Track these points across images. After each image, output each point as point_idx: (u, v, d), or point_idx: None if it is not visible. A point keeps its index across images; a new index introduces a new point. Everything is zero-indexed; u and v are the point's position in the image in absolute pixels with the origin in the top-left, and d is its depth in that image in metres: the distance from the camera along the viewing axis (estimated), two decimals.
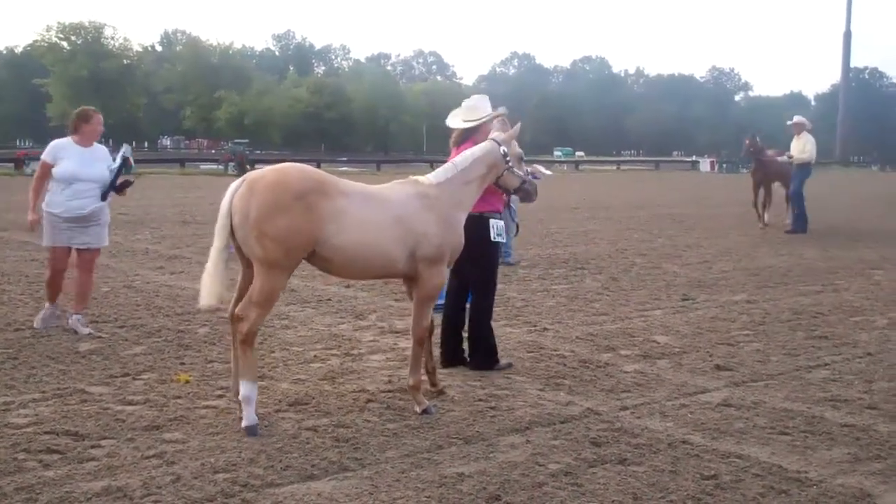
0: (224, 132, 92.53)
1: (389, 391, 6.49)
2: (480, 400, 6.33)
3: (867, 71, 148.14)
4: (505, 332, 8.60)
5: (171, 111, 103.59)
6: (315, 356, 7.54)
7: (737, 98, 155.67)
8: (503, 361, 7.33)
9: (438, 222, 6.11)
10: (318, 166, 61.58)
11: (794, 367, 7.49)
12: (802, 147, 18.90)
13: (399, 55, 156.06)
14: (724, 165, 72.42)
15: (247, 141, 72.57)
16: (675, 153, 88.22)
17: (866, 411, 6.28)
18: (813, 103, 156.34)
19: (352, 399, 6.30)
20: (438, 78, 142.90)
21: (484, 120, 7.09)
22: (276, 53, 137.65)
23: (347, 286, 10.51)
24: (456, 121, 7.29)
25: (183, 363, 7.20)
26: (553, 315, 9.54)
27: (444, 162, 6.66)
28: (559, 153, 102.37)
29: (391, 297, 10.38)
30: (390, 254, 5.92)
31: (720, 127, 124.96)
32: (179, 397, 6.25)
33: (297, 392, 6.44)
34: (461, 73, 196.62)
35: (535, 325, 8.98)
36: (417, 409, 6.07)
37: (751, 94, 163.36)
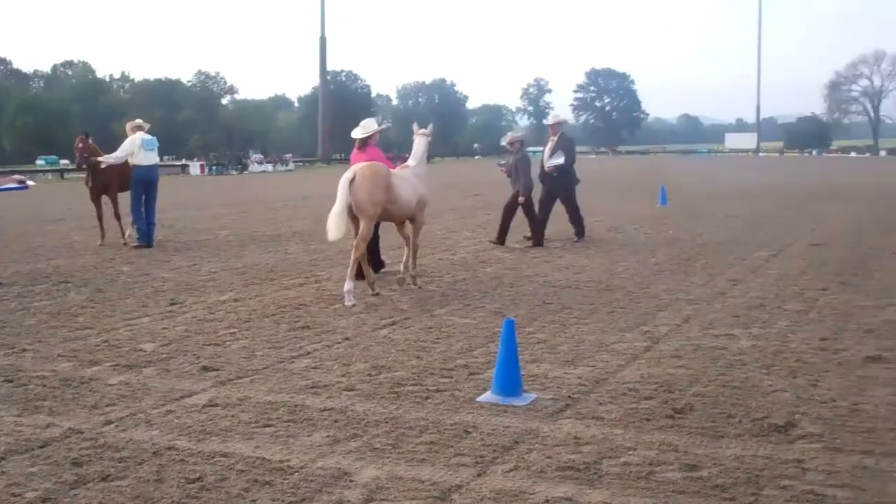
0: None
1: None
2: None
3: (343, 73, 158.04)
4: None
5: None
6: None
7: (224, 101, 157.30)
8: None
9: (422, 185, 11.34)
10: None
11: (278, 359, 7.77)
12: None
13: None
14: (214, 168, 73.39)
15: None
16: (165, 157, 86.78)
17: (344, 394, 6.66)
18: (296, 105, 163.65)
19: None
20: None
21: (374, 132, 11.98)
22: None
23: None
24: (358, 133, 11.86)
25: None
26: (33, 334, 8.93)
27: None
28: (42, 162, 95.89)
29: None
30: (413, 204, 10.96)
31: (209, 130, 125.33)
32: None
33: None
34: None
35: (12, 347, 8.34)
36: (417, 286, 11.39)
37: (237, 97, 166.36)
